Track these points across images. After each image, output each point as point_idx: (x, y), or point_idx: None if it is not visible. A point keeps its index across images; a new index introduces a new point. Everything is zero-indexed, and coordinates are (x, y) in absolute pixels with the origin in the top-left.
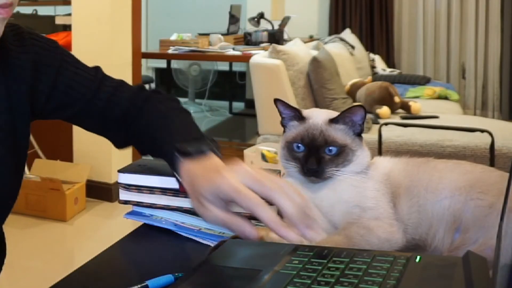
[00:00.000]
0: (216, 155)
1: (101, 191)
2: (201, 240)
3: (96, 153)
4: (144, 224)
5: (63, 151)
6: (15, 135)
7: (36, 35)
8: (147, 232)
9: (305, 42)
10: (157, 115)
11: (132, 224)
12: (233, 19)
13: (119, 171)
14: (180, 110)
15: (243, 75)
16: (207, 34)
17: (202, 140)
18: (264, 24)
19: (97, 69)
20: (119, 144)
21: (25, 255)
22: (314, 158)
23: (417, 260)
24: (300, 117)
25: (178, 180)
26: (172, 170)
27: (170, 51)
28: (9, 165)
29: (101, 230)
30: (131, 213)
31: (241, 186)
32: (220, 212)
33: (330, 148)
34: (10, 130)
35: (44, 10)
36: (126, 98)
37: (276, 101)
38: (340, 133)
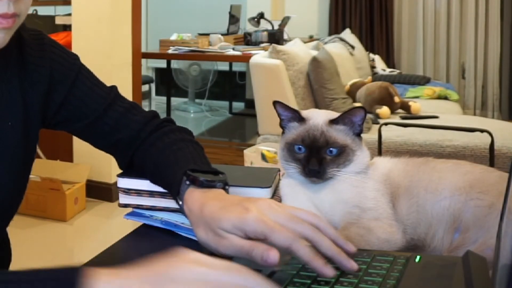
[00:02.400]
0: (225, 191)
1: (101, 191)
2: None
3: (96, 153)
4: (144, 224)
5: (63, 151)
6: (27, 140)
7: (58, 45)
8: (147, 232)
9: (305, 42)
10: (167, 144)
11: (132, 224)
12: (233, 19)
13: (119, 175)
14: (191, 141)
15: (243, 75)
16: (207, 34)
17: (215, 173)
18: (264, 24)
19: (112, 88)
20: (124, 165)
21: (25, 255)
22: (316, 159)
23: (417, 260)
24: (300, 118)
25: (179, 205)
26: (174, 195)
27: (170, 51)
28: (19, 170)
29: (101, 230)
30: (131, 214)
31: (271, 221)
32: (240, 240)
33: (331, 149)
34: (23, 135)
35: (44, 10)
36: (137, 122)
37: (275, 103)
38: (340, 134)
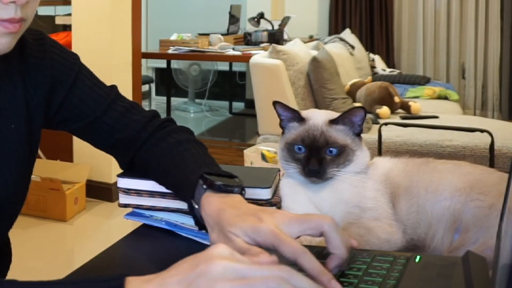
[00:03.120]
0: (242, 196)
1: (101, 191)
2: (201, 240)
3: (96, 153)
4: (144, 224)
5: (63, 151)
6: (30, 142)
7: (58, 45)
8: (147, 232)
9: (305, 42)
10: (171, 145)
11: (132, 224)
12: (233, 19)
13: (119, 175)
14: (195, 141)
15: (243, 75)
16: (207, 34)
17: (230, 177)
18: (264, 24)
19: (113, 87)
20: (124, 165)
21: (25, 255)
22: (316, 159)
23: (417, 260)
24: (300, 119)
25: (192, 210)
26: (186, 197)
27: (170, 51)
28: (23, 172)
29: (101, 230)
30: (131, 214)
31: (282, 233)
32: (244, 243)
33: (331, 149)
34: (26, 137)
35: (44, 10)
36: (137, 121)
37: (275, 103)
38: (340, 134)
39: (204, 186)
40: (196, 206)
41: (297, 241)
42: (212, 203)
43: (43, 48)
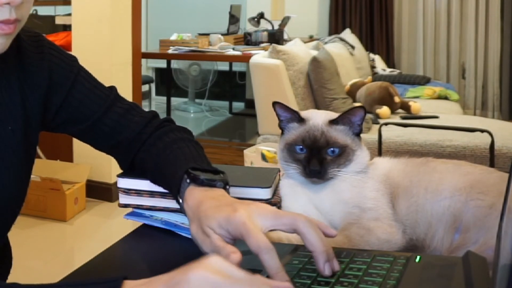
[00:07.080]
0: (226, 191)
1: (101, 191)
2: None
3: (96, 153)
4: (144, 224)
5: (63, 151)
6: (27, 144)
7: (56, 47)
8: (147, 232)
9: (305, 42)
10: (167, 143)
11: (132, 224)
12: (233, 19)
13: (119, 175)
14: (191, 140)
15: (243, 75)
16: (207, 34)
17: (215, 172)
18: (264, 24)
19: (112, 89)
20: (125, 166)
21: (25, 255)
22: (316, 160)
23: (417, 260)
24: (299, 119)
25: (179, 204)
26: (174, 194)
27: (170, 51)
28: (20, 174)
29: (101, 230)
30: (131, 214)
31: (252, 225)
32: (219, 241)
33: (332, 149)
34: (24, 139)
35: (44, 10)
36: (137, 123)
37: (274, 104)
38: (340, 134)
39: (188, 180)
40: (181, 200)
41: (265, 236)
42: (194, 196)
43: (41, 49)
